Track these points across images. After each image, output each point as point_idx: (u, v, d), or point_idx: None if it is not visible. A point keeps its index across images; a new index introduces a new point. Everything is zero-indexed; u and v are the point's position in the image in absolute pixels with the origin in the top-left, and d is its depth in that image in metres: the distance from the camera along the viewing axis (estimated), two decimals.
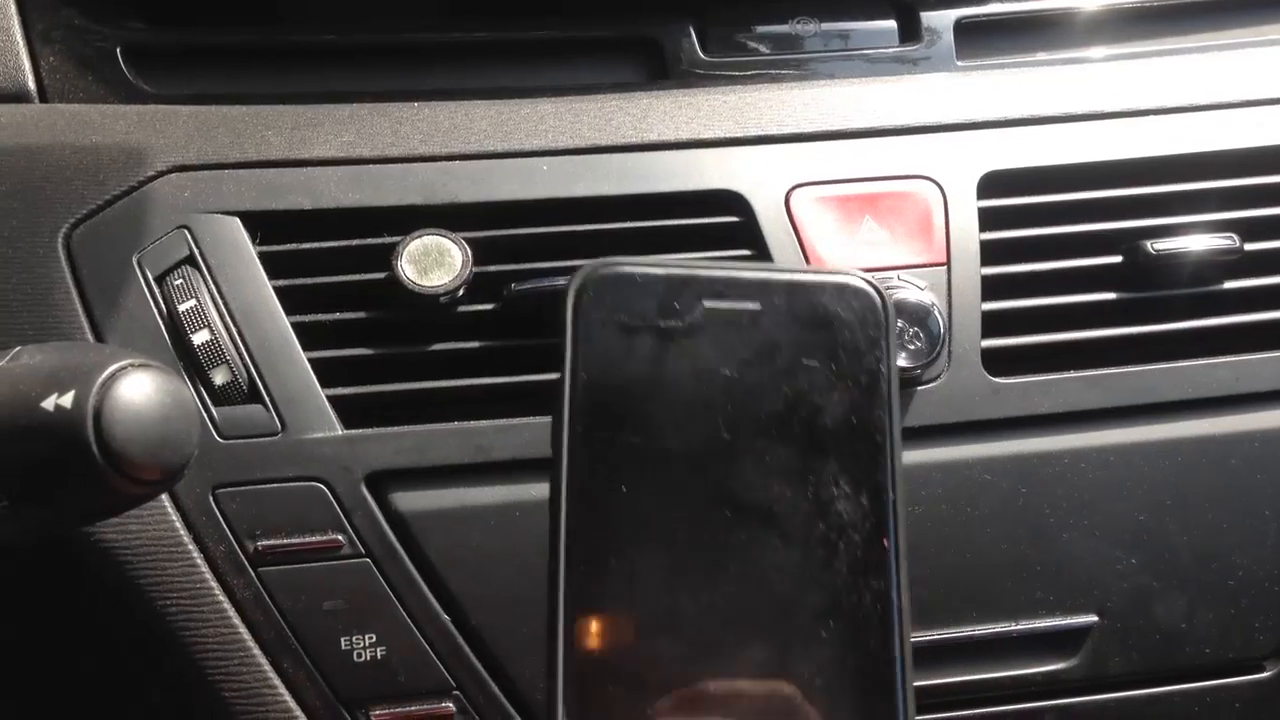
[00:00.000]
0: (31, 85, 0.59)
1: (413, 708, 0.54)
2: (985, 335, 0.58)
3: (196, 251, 0.54)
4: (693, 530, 0.39)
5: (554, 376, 0.39)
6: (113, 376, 0.32)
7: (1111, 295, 0.60)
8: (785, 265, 0.43)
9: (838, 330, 0.41)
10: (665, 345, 0.40)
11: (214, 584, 0.52)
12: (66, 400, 0.32)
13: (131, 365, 0.33)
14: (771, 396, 0.40)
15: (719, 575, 0.38)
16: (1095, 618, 0.58)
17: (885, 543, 0.39)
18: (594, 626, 0.38)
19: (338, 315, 0.55)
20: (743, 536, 0.39)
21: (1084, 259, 0.60)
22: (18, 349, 0.34)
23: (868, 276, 0.41)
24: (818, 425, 0.40)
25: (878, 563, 0.39)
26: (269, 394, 0.53)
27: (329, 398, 0.53)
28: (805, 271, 0.44)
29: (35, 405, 0.32)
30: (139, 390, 0.33)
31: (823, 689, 0.38)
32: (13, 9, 0.60)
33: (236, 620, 0.53)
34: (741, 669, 0.38)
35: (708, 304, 0.40)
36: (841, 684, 0.38)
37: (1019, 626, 0.58)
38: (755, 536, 0.39)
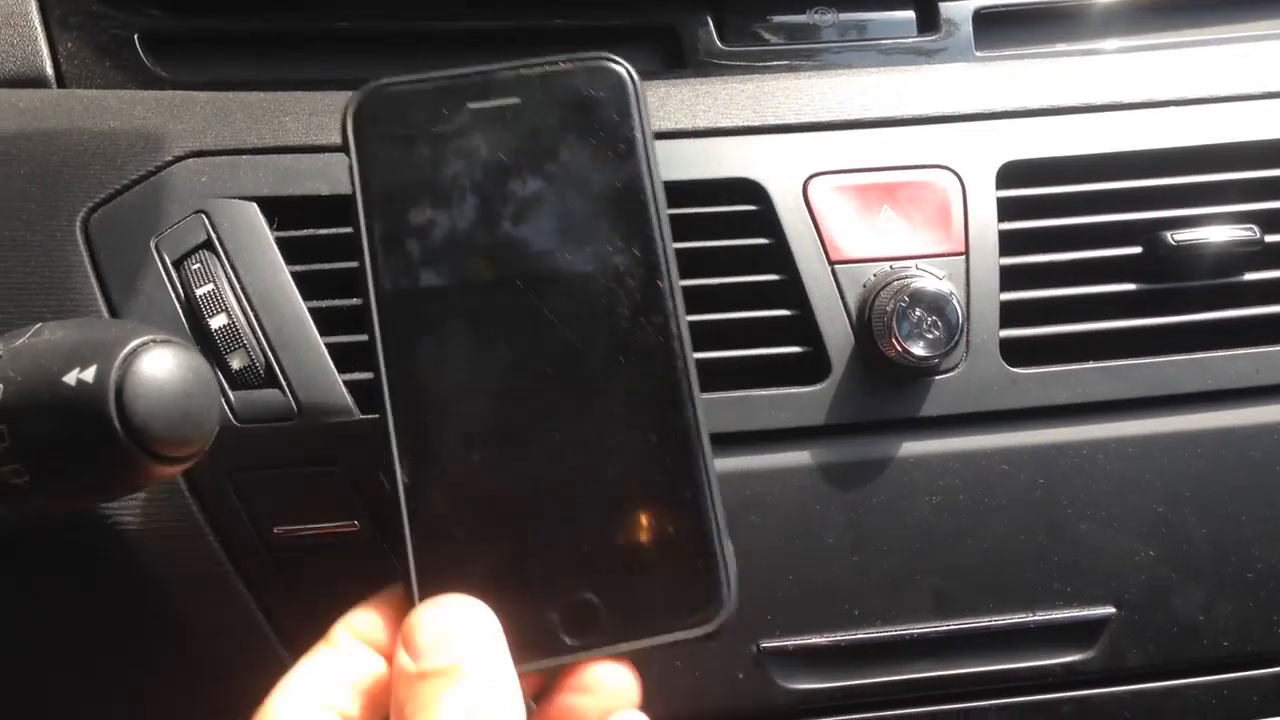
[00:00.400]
0: (50, 71, 0.59)
1: None
2: (1004, 325, 0.58)
3: (214, 236, 0.54)
4: (486, 298, 0.44)
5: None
6: (135, 352, 0.32)
7: (1131, 286, 0.60)
8: (540, 59, 0.47)
9: (592, 108, 0.46)
10: (440, 147, 0.45)
11: (230, 568, 0.52)
12: (89, 375, 0.32)
13: (154, 341, 0.33)
14: (543, 175, 0.46)
15: (520, 334, 0.44)
16: (1113, 609, 0.58)
17: (660, 284, 0.45)
18: (416, 391, 0.43)
19: (355, 300, 0.55)
20: (534, 296, 0.45)
21: (1103, 250, 0.60)
22: (39, 325, 0.34)
23: (612, 56, 0.47)
24: (588, 193, 0.45)
25: (656, 301, 0.45)
26: (286, 378, 0.53)
27: (345, 382, 0.53)
28: (555, 61, 0.47)
29: (57, 380, 0.32)
30: (161, 366, 0.33)
31: (622, 416, 0.44)
32: None
33: (253, 604, 0.53)
34: (549, 408, 0.44)
35: (472, 105, 0.46)
36: (638, 408, 0.44)
37: (1036, 617, 0.58)
38: (544, 294, 0.44)
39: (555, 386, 0.44)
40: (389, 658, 0.41)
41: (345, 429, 0.53)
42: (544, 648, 0.42)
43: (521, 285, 0.45)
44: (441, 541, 0.43)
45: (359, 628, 0.42)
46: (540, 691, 0.42)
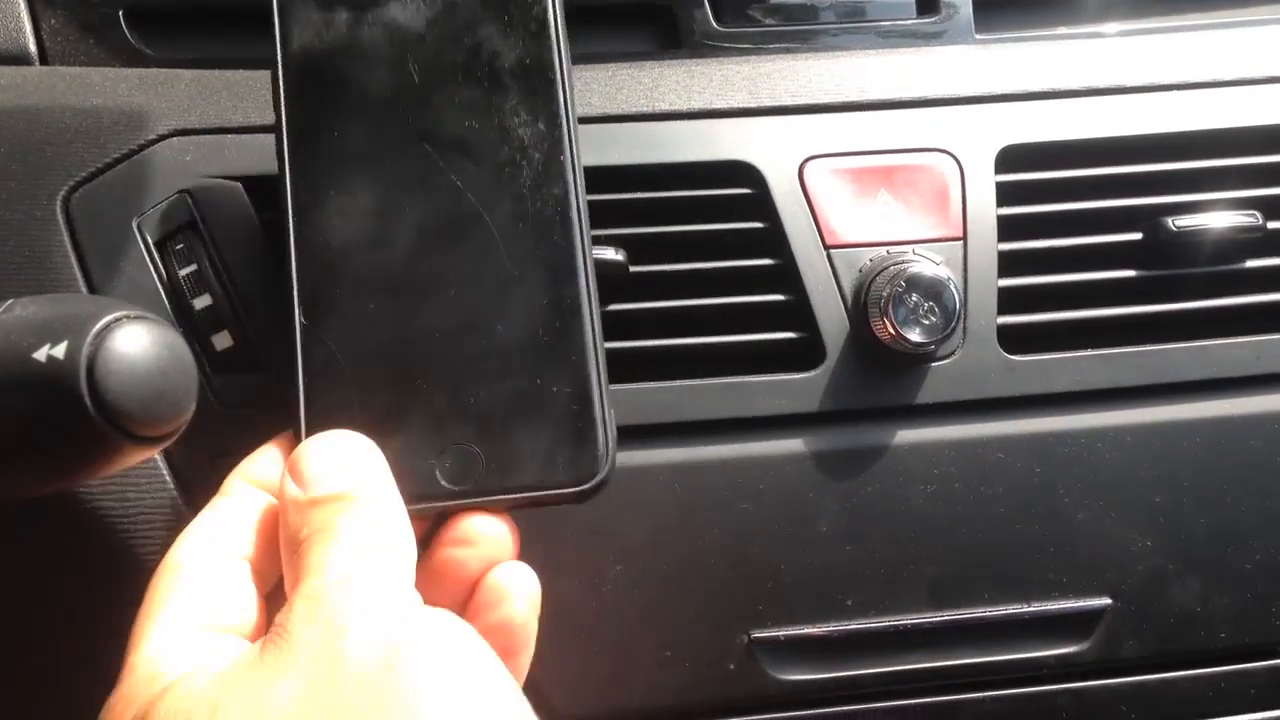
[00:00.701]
0: (33, 48, 0.58)
1: None
2: (1001, 312, 0.57)
3: (198, 216, 0.53)
4: (394, 157, 0.47)
5: None
6: (107, 327, 0.31)
7: (1131, 272, 0.59)
8: None
9: None
10: (361, 16, 0.49)
11: None
12: (59, 351, 0.31)
13: (127, 317, 0.32)
14: (456, 49, 0.48)
15: (426, 196, 0.47)
16: (1109, 600, 0.57)
17: (562, 158, 0.47)
18: (321, 239, 0.46)
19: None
20: (440, 159, 0.47)
21: (1103, 235, 0.59)
22: (11, 301, 0.33)
23: None
24: (498, 68, 0.48)
25: (558, 174, 0.47)
26: (270, 361, 0.52)
27: None
28: None
29: (27, 356, 0.31)
30: (134, 342, 0.32)
31: (516, 279, 0.46)
32: None
33: None
34: (446, 266, 0.46)
35: None
36: (531, 273, 0.46)
37: (1032, 608, 0.57)
38: (450, 159, 0.47)
39: (454, 246, 0.47)
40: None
41: None
42: (425, 493, 0.44)
43: (429, 148, 0.48)
44: (332, 383, 0.45)
45: (253, 474, 0.43)
46: (420, 547, 0.43)
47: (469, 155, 0.47)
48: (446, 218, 0.47)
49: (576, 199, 0.47)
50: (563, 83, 0.49)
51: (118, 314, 0.32)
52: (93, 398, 0.31)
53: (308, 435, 0.44)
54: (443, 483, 0.44)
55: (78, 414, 0.31)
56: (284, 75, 0.48)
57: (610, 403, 0.46)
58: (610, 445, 0.45)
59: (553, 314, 0.46)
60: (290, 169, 0.47)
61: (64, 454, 0.32)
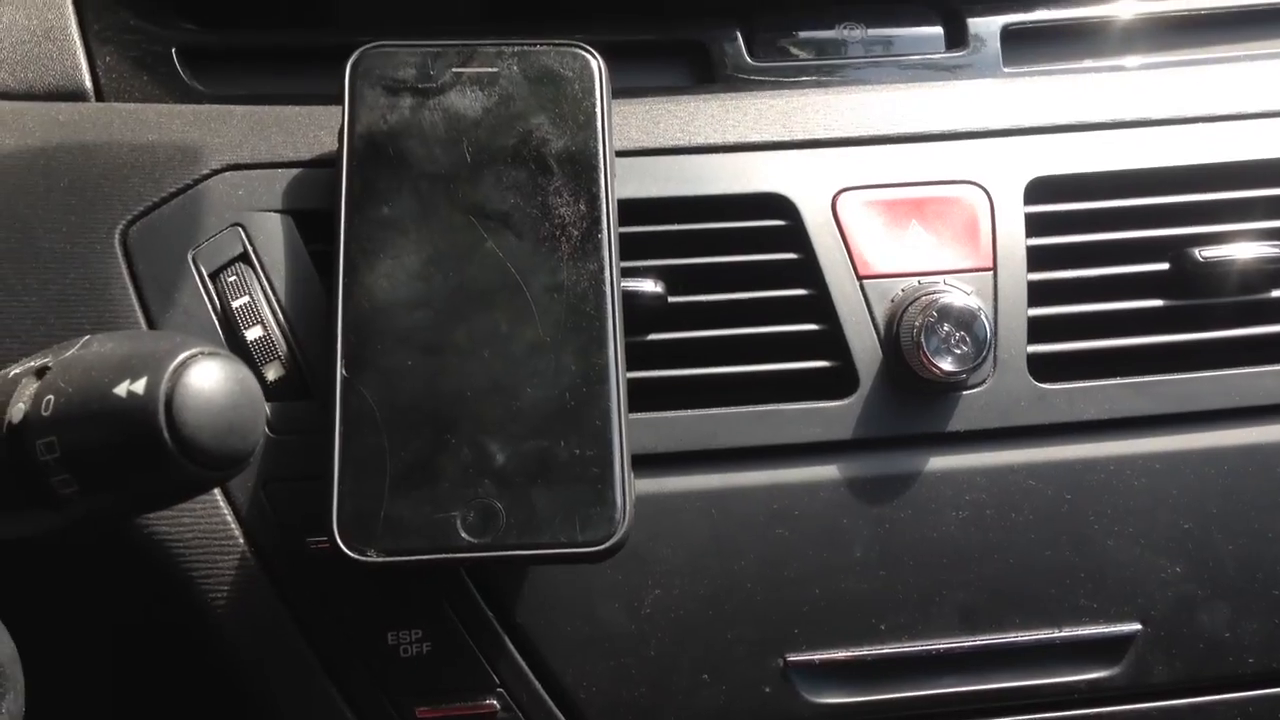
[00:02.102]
0: (89, 84, 0.60)
1: (457, 705, 0.54)
2: (1031, 341, 0.58)
3: (250, 249, 0.55)
4: (446, 231, 0.51)
5: None
6: (184, 364, 0.33)
7: (1158, 302, 0.60)
8: (521, 39, 0.56)
9: (560, 84, 0.55)
10: (424, 101, 0.54)
11: (264, 577, 0.53)
12: (139, 387, 0.32)
13: (202, 353, 0.34)
14: (509, 134, 0.53)
15: (469, 264, 0.50)
16: (1139, 626, 0.58)
17: (600, 236, 0.52)
18: (367, 299, 0.50)
19: None
20: (485, 231, 0.51)
21: (1130, 265, 0.60)
22: (88, 337, 0.35)
23: (584, 44, 0.56)
24: (546, 153, 0.53)
25: (595, 251, 0.51)
26: (319, 391, 0.53)
27: None
28: (533, 41, 0.56)
29: (108, 391, 0.32)
30: (208, 378, 0.33)
31: (549, 346, 0.49)
32: (70, 10, 0.61)
33: (285, 613, 0.53)
34: (484, 331, 0.50)
35: (455, 70, 0.54)
36: (564, 342, 0.50)
37: (1062, 633, 0.58)
38: (495, 232, 0.51)
39: (493, 313, 0.50)
40: None
41: None
42: (446, 544, 0.47)
43: (475, 221, 0.52)
44: (366, 434, 0.48)
45: None
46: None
47: (512, 229, 0.52)
48: (487, 285, 0.51)
49: (611, 274, 0.51)
50: (605, 169, 0.53)
51: (193, 350, 0.34)
52: (170, 431, 0.32)
53: (340, 483, 0.47)
54: (464, 535, 0.47)
55: (157, 447, 0.32)
56: (348, 149, 0.52)
57: (630, 467, 0.49)
58: (628, 508, 0.48)
59: (581, 380, 0.49)
60: (345, 232, 0.51)
61: (142, 485, 0.33)
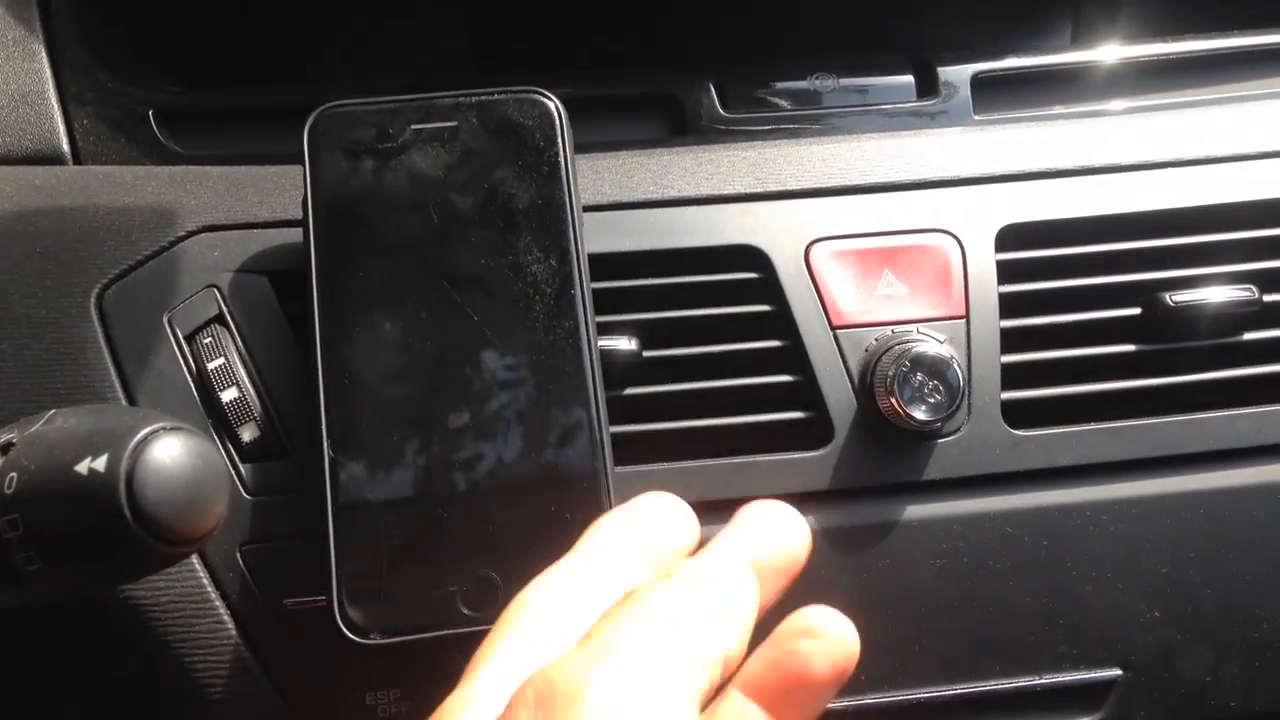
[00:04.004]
0: (66, 147, 0.61)
1: None
2: (1005, 388, 0.58)
3: (225, 310, 0.55)
4: (415, 294, 0.51)
5: None
6: (145, 440, 0.33)
7: (1131, 347, 0.60)
8: (478, 90, 0.55)
9: (521, 134, 0.54)
10: (386, 162, 0.53)
11: (240, 640, 0.53)
12: (100, 464, 0.32)
13: (164, 429, 0.34)
14: (474, 192, 0.52)
15: (445, 331, 0.50)
16: (1120, 671, 0.58)
17: (572, 292, 0.51)
18: (347, 374, 0.50)
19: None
20: (458, 294, 0.51)
21: (1103, 311, 0.60)
22: (52, 412, 0.35)
23: (542, 91, 0.55)
24: (512, 209, 0.52)
25: (569, 307, 0.51)
26: (296, 451, 0.54)
27: None
28: (491, 91, 0.55)
29: (69, 469, 0.33)
30: (170, 453, 0.33)
31: (531, 412, 0.50)
32: (48, 73, 0.62)
33: (262, 676, 0.53)
34: (465, 398, 0.50)
35: (414, 126, 0.53)
36: (545, 405, 0.50)
37: (1043, 680, 0.58)
38: (467, 294, 0.51)
39: (473, 380, 0.50)
40: None
41: None
42: (445, 620, 0.47)
43: (448, 285, 0.51)
44: (360, 513, 0.48)
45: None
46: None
47: (485, 291, 0.51)
48: (465, 351, 0.51)
49: (586, 330, 0.51)
50: (572, 221, 0.52)
51: (154, 426, 0.34)
52: (132, 509, 0.32)
53: (338, 567, 0.47)
54: (463, 610, 0.47)
55: (119, 525, 0.32)
56: (313, 216, 0.52)
57: None
58: None
59: (565, 442, 0.50)
60: (318, 305, 0.51)
61: (104, 563, 0.33)
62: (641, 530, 0.43)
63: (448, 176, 0.53)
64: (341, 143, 0.53)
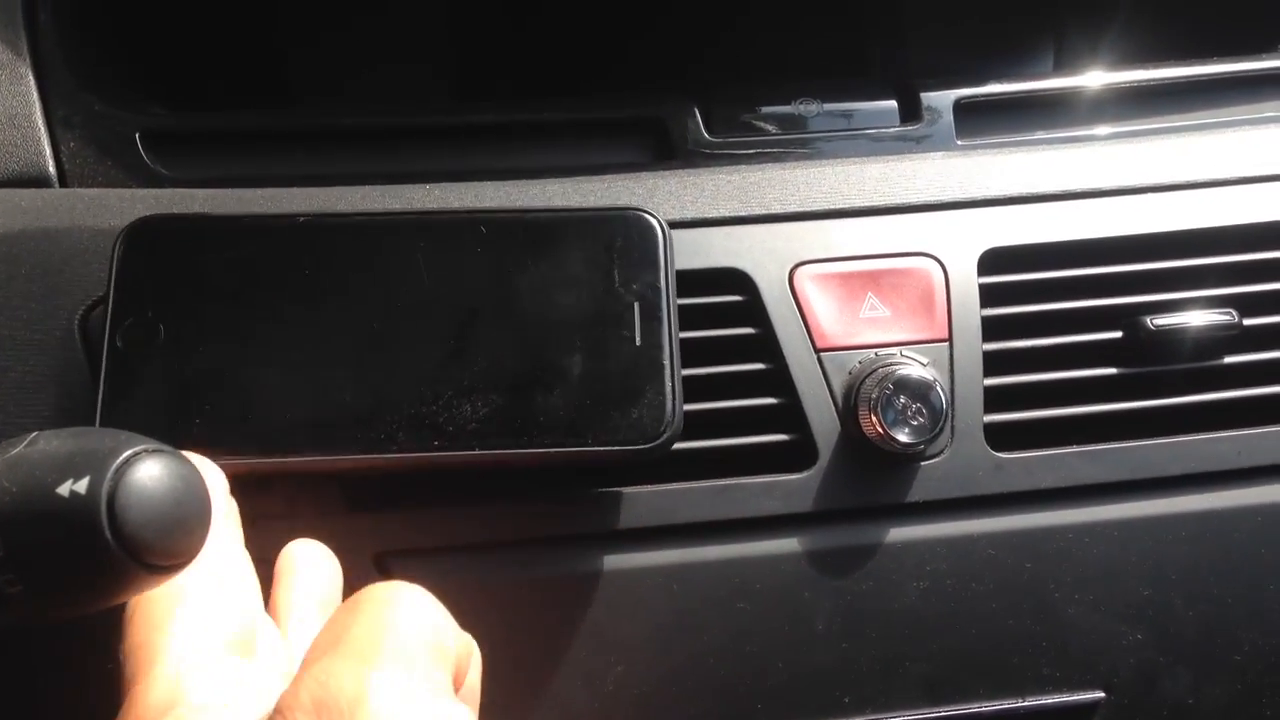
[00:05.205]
0: (52, 170, 0.61)
1: None
2: (988, 410, 0.59)
3: None
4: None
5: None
6: (127, 462, 0.33)
7: (1112, 370, 0.60)
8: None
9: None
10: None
11: None
12: (81, 486, 0.32)
13: (145, 451, 0.34)
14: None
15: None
16: (1102, 693, 0.58)
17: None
18: None
19: None
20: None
21: (1084, 334, 0.61)
22: (35, 435, 0.35)
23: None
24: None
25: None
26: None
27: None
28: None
29: (50, 491, 0.33)
30: (151, 475, 0.33)
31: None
32: (35, 95, 0.62)
33: None
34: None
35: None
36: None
37: (1026, 703, 0.58)
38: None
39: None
40: None
41: (336, 524, 0.54)
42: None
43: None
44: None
45: None
46: None
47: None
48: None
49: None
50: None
51: (137, 448, 0.34)
52: (113, 531, 0.32)
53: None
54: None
55: (100, 548, 0.32)
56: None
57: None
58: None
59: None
60: None
61: (85, 586, 0.33)
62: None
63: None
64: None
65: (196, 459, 0.41)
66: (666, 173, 0.64)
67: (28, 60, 0.63)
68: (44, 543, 0.33)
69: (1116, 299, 0.61)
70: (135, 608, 0.40)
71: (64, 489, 0.33)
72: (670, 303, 0.54)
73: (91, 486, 0.33)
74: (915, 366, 0.57)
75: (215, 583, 0.41)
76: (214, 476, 0.45)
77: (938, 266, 0.60)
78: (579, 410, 0.52)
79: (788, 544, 0.57)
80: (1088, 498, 0.59)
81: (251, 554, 0.49)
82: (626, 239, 0.55)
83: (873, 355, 0.58)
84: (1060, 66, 0.92)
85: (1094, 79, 0.72)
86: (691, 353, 0.58)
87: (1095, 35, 0.89)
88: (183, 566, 0.35)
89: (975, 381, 0.59)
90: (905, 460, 0.58)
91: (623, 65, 0.84)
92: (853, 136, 0.69)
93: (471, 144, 0.66)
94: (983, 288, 0.60)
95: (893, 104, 0.70)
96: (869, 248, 0.61)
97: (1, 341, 0.54)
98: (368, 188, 0.60)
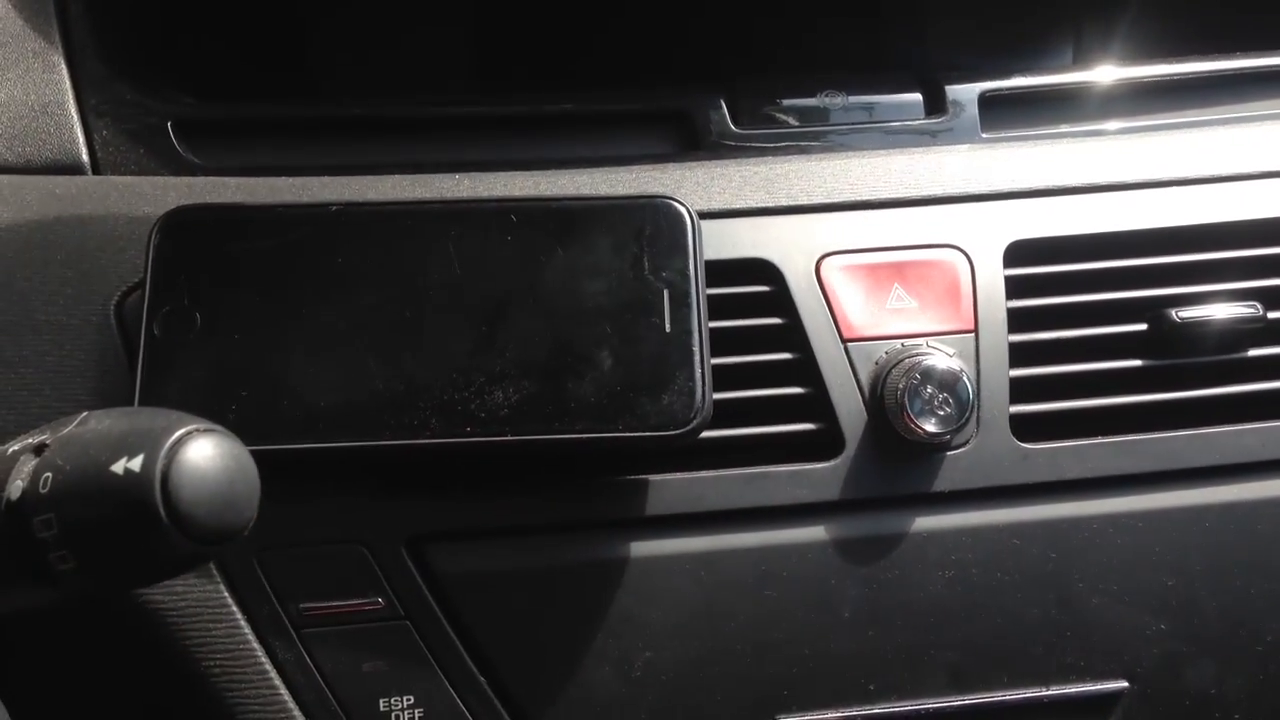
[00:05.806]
0: (85, 158, 0.61)
1: None
2: (1013, 401, 0.59)
3: None
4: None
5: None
6: (180, 441, 0.34)
7: (1137, 362, 0.61)
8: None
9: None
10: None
11: (256, 645, 0.53)
12: (135, 464, 0.33)
13: (197, 430, 0.34)
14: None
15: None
16: (1126, 683, 0.59)
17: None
18: None
19: None
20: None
21: (1109, 326, 0.61)
22: (85, 414, 0.36)
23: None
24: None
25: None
26: None
27: None
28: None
29: (104, 469, 0.33)
30: (204, 454, 0.34)
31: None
32: (68, 85, 0.63)
33: (278, 681, 0.53)
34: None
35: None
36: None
37: (1050, 692, 0.58)
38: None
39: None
40: None
41: (369, 507, 0.54)
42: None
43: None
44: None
45: None
46: None
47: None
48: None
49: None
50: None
51: (189, 427, 0.34)
52: (166, 508, 0.33)
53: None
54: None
55: (153, 525, 0.33)
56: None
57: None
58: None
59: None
60: None
61: (138, 562, 0.34)
62: None
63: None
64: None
65: None
66: (693, 164, 0.64)
67: (60, 49, 0.63)
68: (98, 520, 0.33)
69: (1141, 291, 0.62)
70: None
71: (118, 467, 0.33)
72: (700, 290, 0.54)
73: (145, 464, 0.33)
74: (942, 357, 0.57)
75: None
76: None
77: (964, 258, 0.61)
78: (610, 396, 0.52)
79: (814, 532, 0.57)
80: (1112, 489, 0.59)
81: (288, 538, 0.50)
82: (655, 227, 0.55)
83: (899, 346, 0.59)
84: (1079, 61, 0.92)
85: (1116, 74, 0.72)
86: (719, 342, 0.58)
87: (1112, 31, 0.89)
88: (233, 544, 0.35)
89: (1001, 372, 0.59)
90: (931, 450, 0.58)
91: (650, 57, 0.84)
92: (877, 129, 0.69)
93: (499, 134, 0.67)
94: (1008, 279, 0.61)
95: (917, 97, 0.70)
96: (895, 239, 0.61)
97: (38, 326, 0.54)
98: (398, 176, 0.60)
